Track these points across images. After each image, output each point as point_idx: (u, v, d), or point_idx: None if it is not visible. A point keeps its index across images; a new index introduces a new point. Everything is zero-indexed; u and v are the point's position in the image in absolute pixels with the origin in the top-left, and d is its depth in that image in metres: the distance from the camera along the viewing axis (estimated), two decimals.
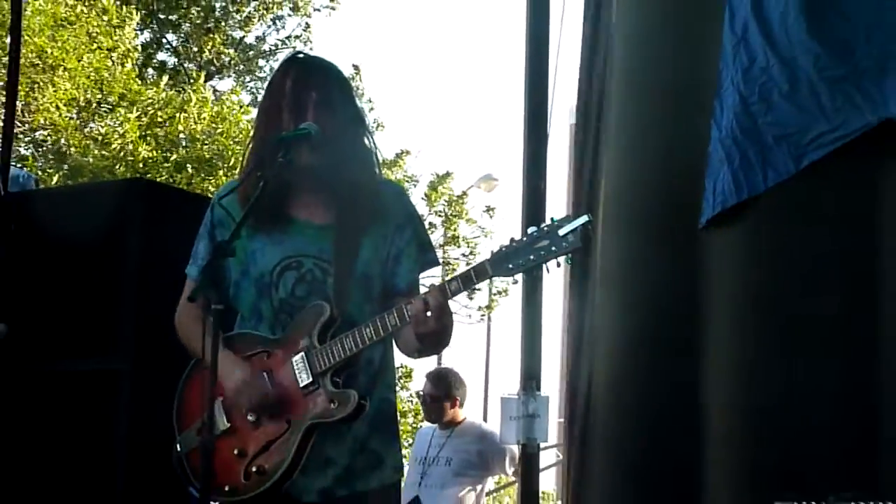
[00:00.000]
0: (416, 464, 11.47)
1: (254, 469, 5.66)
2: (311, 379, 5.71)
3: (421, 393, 11.98)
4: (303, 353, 5.71)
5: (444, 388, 11.64)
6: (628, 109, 10.88)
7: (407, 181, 27.45)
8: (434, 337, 5.96)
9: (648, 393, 10.36)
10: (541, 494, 11.91)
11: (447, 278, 6.06)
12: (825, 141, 9.57)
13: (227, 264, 5.80)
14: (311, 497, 5.81)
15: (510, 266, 5.91)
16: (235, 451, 5.56)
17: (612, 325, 10.70)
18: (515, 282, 6.59)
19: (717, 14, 10.24)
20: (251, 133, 6.02)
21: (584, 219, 6.24)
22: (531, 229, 6.22)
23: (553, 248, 5.83)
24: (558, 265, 6.22)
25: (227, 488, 5.48)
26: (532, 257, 5.82)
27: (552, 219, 6.04)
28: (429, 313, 5.75)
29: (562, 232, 5.88)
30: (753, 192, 9.90)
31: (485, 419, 20.88)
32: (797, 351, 9.64)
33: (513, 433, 11.36)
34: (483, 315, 30.58)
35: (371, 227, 5.85)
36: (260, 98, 5.49)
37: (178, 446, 5.83)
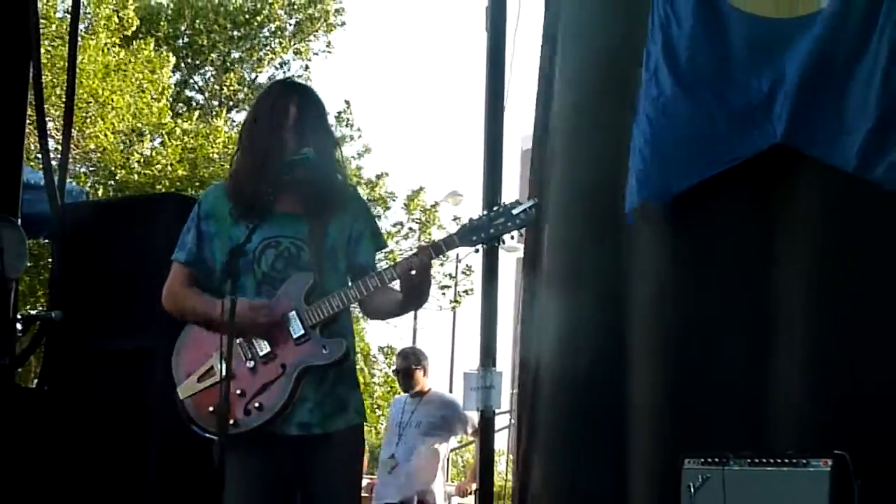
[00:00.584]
0: (393, 426, 11.48)
1: (255, 405, 5.70)
2: (303, 331, 5.76)
3: (395, 368, 12.03)
4: (294, 311, 5.75)
5: (413, 360, 11.68)
6: (571, 140, 10.94)
7: (388, 197, 27.44)
8: (417, 292, 6.01)
9: (585, 368, 10.36)
10: (495, 451, 11.88)
11: (423, 245, 6.10)
12: (723, 160, 9.65)
13: (214, 251, 5.90)
14: (291, 430, 5.80)
15: (473, 238, 5.93)
16: (237, 392, 5.54)
17: (556, 313, 10.72)
18: (477, 251, 6.58)
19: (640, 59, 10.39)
20: (247, 136, 5.98)
21: (532, 202, 6.32)
22: (490, 209, 6.23)
23: (508, 224, 5.88)
24: (512, 237, 6.27)
25: (231, 422, 5.52)
26: (492, 231, 5.87)
27: (505, 202, 6.12)
28: (413, 272, 5.83)
29: (515, 211, 5.95)
30: (664, 199, 10.03)
31: (451, 391, 20.79)
32: (703, 334, 9.70)
33: (473, 402, 11.39)
34: (452, 306, 30.58)
35: (335, 216, 5.84)
36: (257, 109, 5.41)
37: (179, 393, 5.89)
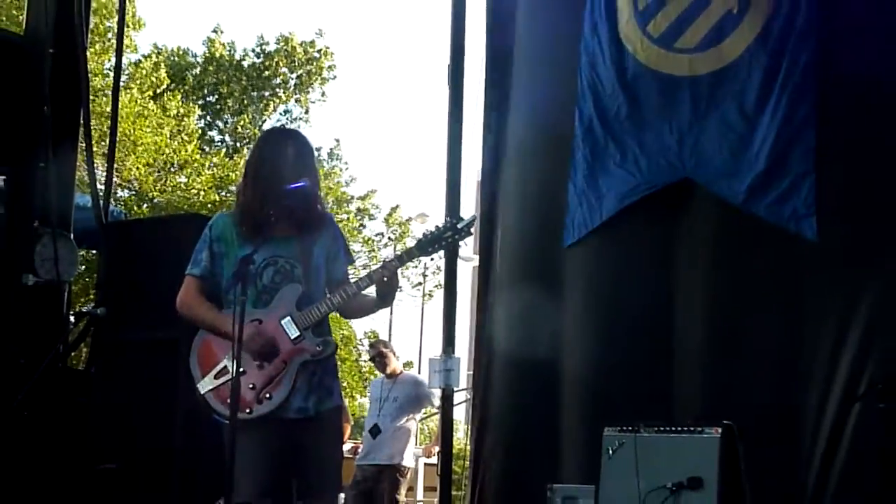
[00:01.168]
0: (374, 402, 11.46)
1: (266, 396, 5.67)
2: (298, 333, 5.74)
3: (370, 356, 12.02)
4: (289, 317, 5.72)
5: (382, 346, 11.66)
6: (517, 175, 11.04)
7: (373, 208, 27.52)
8: (389, 293, 6.04)
9: (528, 354, 10.49)
10: (454, 421, 11.93)
11: (390, 258, 6.14)
12: (639, 190, 9.82)
13: (224, 267, 5.93)
14: (291, 415, 5.82)
15: (429, 249, 5.99)
16: (250, 386, 5.52)
17: (505, 311, 10.86)
18: (433, 259, 6.60)
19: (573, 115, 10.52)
20: (251, 172, 6.02)
21: (471, 217, 6.40)
22: (440, 224, 6.28)
23: (455, 236, 5.92)
24: (461, 245, 6.34)
25: (247, 410, 5.54)
26: (443, 242, 5.92)
27: (449, 219, 6.18)
28: (385, 279, 5.89)
29: (459, 225, 6.00)
30: (593, 225, 10.19)
31: (419, 373, 20.72)
32: (617, 328, 9.81)
33: (437, 381, 11.41)
34: (425, 299, 30.52)
35: (319, 238, 5.82)
36: (264, 145, 5.42)
37: (199, 389, 5.93)
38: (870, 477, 8.83)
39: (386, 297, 6.10)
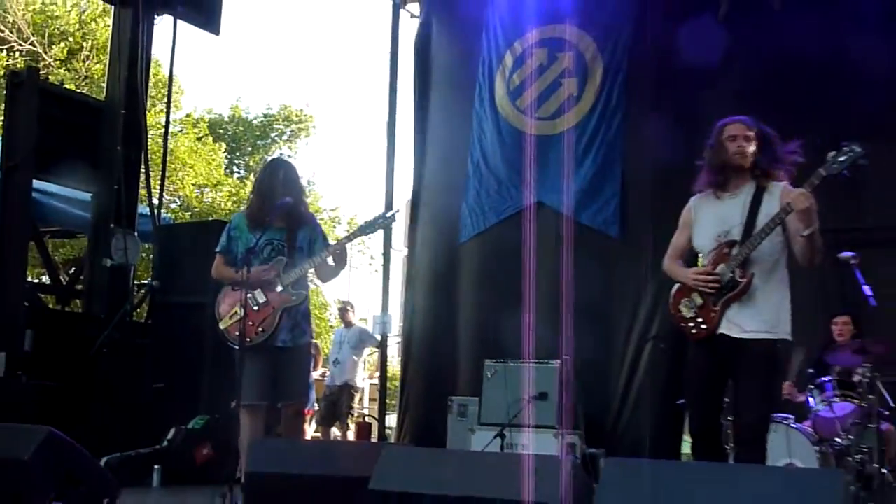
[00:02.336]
0: (335, 344, 11.26)
1: (260, 330, 5.66)
2: (282, 288, 5.68)
3: (339, 308, 11.84)
4: (278, 277, 5.63)
5: (346, 304, 11.43)
6: (431, 194, 11.10)
7: (336, 219, 27.08)
8: (342, 261, 5.92)
9: (437, 311, 10.56)
10: (388, 356, 11.96)
11: (343, 237, 6.10)
12: (507, 209, 10.05)
13: (238, 247, 5.84)
14: (277, 343, 5.74)
15: (368, 230, 5.88)
16: (250, 323, 5.41)
17: (422, 284, 10.91)
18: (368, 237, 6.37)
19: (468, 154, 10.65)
20: (258, 187, 6.07)
21: (395, 210, 6.42)
22: (372, 216, 6.15)
23: (381, 222, 5.90)
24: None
25: (248, 340, 5.50)
26: (375, 227, 5.88)
27: (377, 213, 6.20)
28: (338, 251, 5.80)
29: (388, 214, 5.94)
30: (478, 231, 10.32)
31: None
32: (492, 295, 9.92)
33: (377, 330, 11.49)
34: (376, 271, 29.79)
35: (301, 229, 5.80)
36: (266, 172, 5.40)
37: (220, 325, 5.96)
38: (654, 393, 9.05)
39: (339, 263, 5.99)
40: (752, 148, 4.65)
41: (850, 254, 6.35)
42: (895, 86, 8.49)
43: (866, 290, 6.11)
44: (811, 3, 8.56)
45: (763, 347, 4.51)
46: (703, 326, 4.61)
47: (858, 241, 7.93)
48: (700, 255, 4.86)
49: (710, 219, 4.75)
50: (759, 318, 4.53)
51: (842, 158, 4.38)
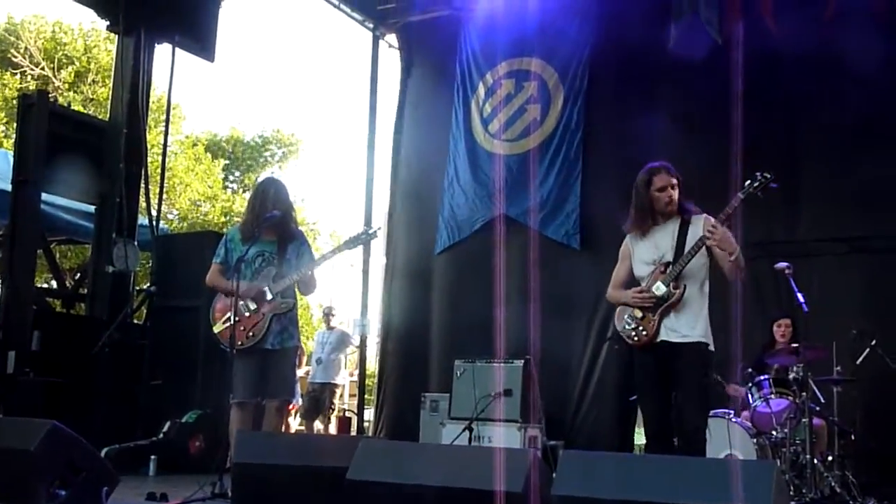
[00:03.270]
0: (318, 345, 11.24)
1: (251, 334, 5.64)
2: (272, 296, 5.65)
3: (324, 312, 11.72)
4: (268, 286, 5.66)
5: (329, 309, 11.35)
6: (408, 208, 11.13)
7: (317, 229, 27.03)
8: (314, 286, 5.94)
9: (412, 316, 10.56)
10: (367, 357, 11.93)
11: (328, 251, 6.10)
12: (477, 223, 10.09)
13: (233, 258, 5.78)
14: (266, 346, 5.71)
15: (352, 245, 5.91)
16: (242, 328, 5.54)
17: (399, 291, 10.91)
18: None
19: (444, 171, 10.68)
20: (250, 203, 6.04)
21: (376, 227, 6.40)
22: (355, 232, 6.14)
23: (364, 237, 5.88)
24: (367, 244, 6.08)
25: (239, 342, 5.43)
26: (357, 242, 5.86)
27: (365, 227, 6.15)
28: (310, 276, 5.78)
29: (370, 231, 5.95)
30: (453, 242, 10.33)
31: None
32: (464, 301, 9.95)
33: (357, 332, 11.58)
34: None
35: (291, 243, 5.83)
36: (257, 190, 5.31)
37: (214, 329, 5.90)
38: (609, 390, 9.08)
39: (311, 285, 6.02)
40: (676, 193, 4.96)
41: (784, 264, 6.42)
42: (824, 110, 8.61)
43: (799, 297, 6.16)
44: (754, 35, 8.61)
45: (699, 349, 4.83)
46: (644, 334, 4.88)
47: (793, 252, 8.06)
48: (640, 280, 5.06)
49: (645, 249, 5.04)
50: (693, 324, 4.85)
51: (756, 184, 4.90)
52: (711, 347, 4.92)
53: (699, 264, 4.91)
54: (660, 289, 4.89)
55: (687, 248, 4.87)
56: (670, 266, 4.90)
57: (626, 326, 4.98)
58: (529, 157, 9.90)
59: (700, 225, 4.91)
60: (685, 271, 4.88)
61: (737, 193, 4.89)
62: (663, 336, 4.87)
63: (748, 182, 4.92)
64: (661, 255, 4.97)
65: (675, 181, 4.96)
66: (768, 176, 4.90)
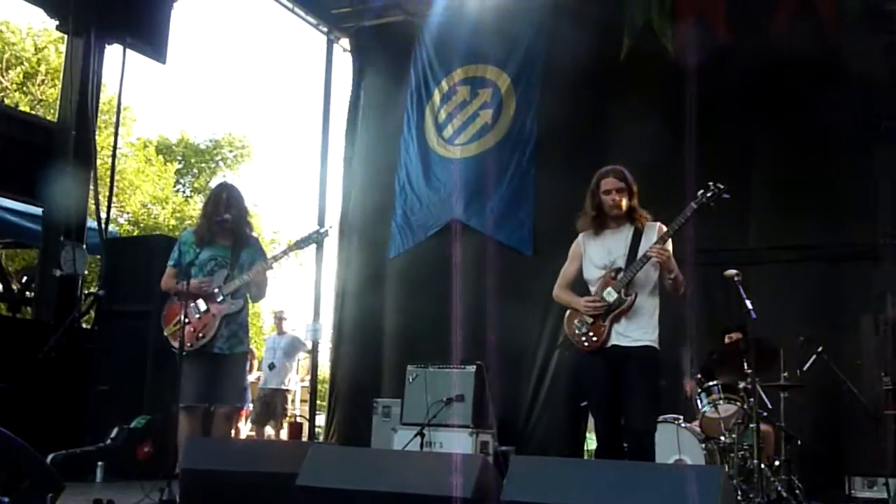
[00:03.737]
0: (269, 350, 11.10)
1: (200, 335, 5.59)
2: (222, 297, 5.62)
3: (275, 317, 11.64)
4: (218, 288, 5.59)
5: (280, 314, 11.25)
6: (360, 211, 11.09)
7: (277, 238, 26.86)
8: (264, 288, 5.91)
9: (365, 320, 10.52)
10: (318, 361, 11.85)
11: (279, 251, 6.10)
12: (432, 227, 10.13)
13: (186, 261, 5.69)
14: (215, 350, 5.69)
15: (303, 244, 5.94)
16: (191, 330, 5.44)
17: (352, 295, 10.89)
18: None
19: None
20: (204, 207, 5.95)
21: (327, 227, 6.38)
22: (307, 232, 6.12)
23: (315, 237, 5.88)
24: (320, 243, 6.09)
25: (188, 345, 5.40)
26: (308, 241, 5.86)
27: (317, 227, 6.10)
28: (274, 265, 5.90)
29: (321, 230, 5.94)
30: (407, 247, 10.34)
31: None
32: (417, 306, 9.99)
33: (309, 336, 11.48)
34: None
35: (244, 248, 5.74)
36: (211, 193, 5.28)
37: (164, 332, 5.84)
38: (560, 396, 9.12)
39: (262, 287, 5.98)
40: (624, 198, 5.00)
41: (733, 271, 6.48)
42: (775, 118, 8.75)
43: (748, 304, 6.23)
44: (706, 45, 8.72)
45: (649, 352, 4.89)
46: (594, 339, 4.94)
47: (742, 259, 8.17)
48: (588, 283, 5.10)
49: (597, 252, 5.08)
50: (643, 329, 4.91)
51: (709, 194, 4.97)
52: (659, 351, 4.97)
53: (649, 271, 4.96)
54: (611, 294, 4.95)
55: (640, 253, 4.92)
56: (621, 273, 4.94)
57: (577, 332, 5.02)
58: (482, 162, 9.96)
59: (653, 233, 4.97)
60: (636, 279, 4.93)
61: (689, 203, 4.95)
62: (614, 340, 4.92)
63: (700, 192, 4.98)
64: (612, 259, 5.02)
65: (622, 185, 5.01)
66: (720, 186, 4.96)
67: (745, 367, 6.50)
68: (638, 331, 4.91)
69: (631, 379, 4.83)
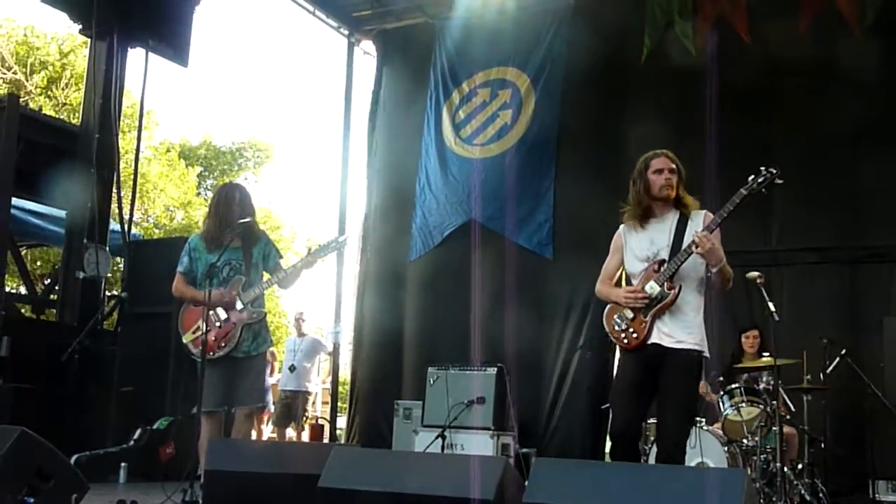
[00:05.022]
0: (289, 352, 11.17)
1: (222, 344, 5.53)
2: (243, 305, 5.58)
3: (296, 318, 11.64)
4: (237, 295, 5.55)
5: (301, 316, 11.26)
6: (381, 215, 11.09)
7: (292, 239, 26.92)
8: (296, 278, 5.79)
9: (385, 322, 10.50)
10: (339, 364, 11.83)
11: (302, 259, 6.06)
12: (447, 228, 10.11)
13: (198, 266, 5.75)
14: (239, 355, 5.66)
15: (321, 255, 5.96)
16: (213, 338, 5.45)
17: (373, 297, 10.89)
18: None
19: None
20: (213, 209, 6.01)
21: (345, 236, 6.36)
22: (326, 240, 6.11)
23: (334, 245, 5.89)
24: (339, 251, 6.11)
25: (210, 353, 5.41)
26: (328, 250, 5.85)
27: (337, 234, 6.09)
28: (304, 269, 5.85)
29: (340, 238, 5.91)
30: (427, 250, 10.34)
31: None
32: (437, 308, 10.02)
33: (330, 339, 11.52)
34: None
35: (255, 246, 5.69)
36: (222, 195, 5.25)
37: (184, 339, 5.84)
38: (581, 398, 9.10)
39: (293, 278, 6.00)
40: (676, 179, 4.67)
41: (756, 273, 6.43)
42: (798, 119, 8.69)
43: (771, 306, 6.19)
44: (728, 46, 8.71)
45: (691, 358, 4.53)
46: (635, 336, 4.57)
47: (765, 261, 8.14)
48: (631, 277, 4.78)
49: (639, 243, 4.73)
50: (687, 329, 4.55)
51: (760, 179, 4.57)
52: (706, 354, 4.62)
53: (696, 262, 4.58)
54: (653, 288, 4.56)
55: (684, 246, 4.55)
56: (665, 264, 4.60)
57: (616, 327, 4.66)
58: (501, 163, 9.94)
59: (700, 220, 4.64)
60: (680, 271, 4.55)
61: (740, 189, 4.58)
62: (655, 339, 4.55)
63: (752, 177, 4.60)
64: (656, 251, 4.66)
65: (674, 167, 4.69)
66: (773, 171, 4.57)
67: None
68: (682, 331, 4.53)
69: (668, 383, 4.52)
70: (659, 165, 4.69)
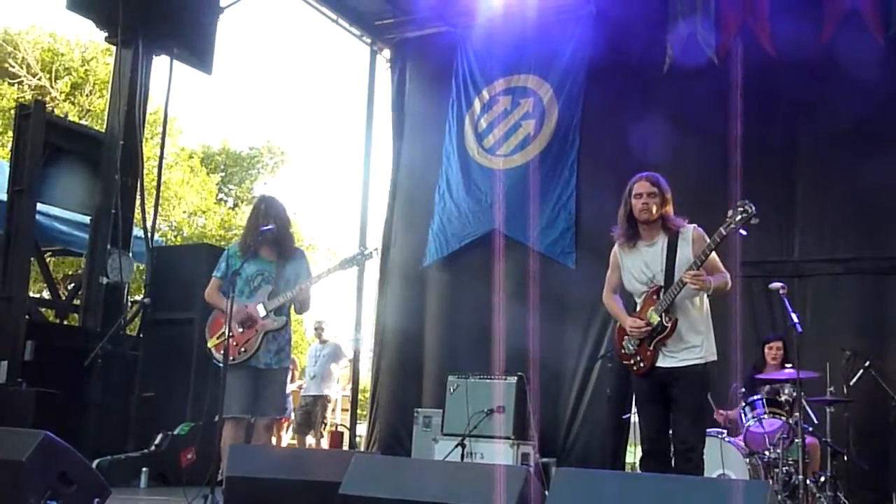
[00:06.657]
0: (311, 358, 11.18)
1: (243, 350, 5.61)
2: (265, 313, 5.65)
3: (315, 327, 11.63)
4: (262, 303, 5.63)
5: (321, 324, 11.25)
6: (401, 222, 11.12)
7: (315, 245, 27.10)
8: (307, 306, 5.94)
9: (405, 330, 10.56)
10: (360, 370, 11.85)
11: (325, 270, 6.09)
12: (468, 236, 10.13)
13: (234, 276, 5.53)
14: (260, 365, 5.73)
15: (347, 266, 5.99)
16: (235, 344, 5.49)
17: (393, 304, 10.91)
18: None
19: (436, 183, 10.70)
20: (248, 219, 5.99)
21: (373, 248, 6.38)
22: (350, 253, 6.14)
23: (360, 258, 5.92)
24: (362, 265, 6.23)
25: (232, 358, 5.45)
26: (353, 262, 5.89)
27: (361, 248, 6.14)
28: (306, 296, 5.87)
29: (365, 252, 5.98)
30: (441, 255, 10.34)
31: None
32: (456, 315, 10.03)
33: (351, 346, 11.58)
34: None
35: (290, 262, 5.78)
36: (252, 206, 5.30)
37: (208, 344, 5.89)
38: (602, 408, 9.06)
39: (305, 305, 6.04)
40: (654, 204, 4.85)
41: (779, 284, 6.40)
42: (821, 130, 8.64)
43: (794, 317, 6.15)
44: (750, 54, 8.68)
45: (696, 372, 4.81)
46: (643, 364, 4.89)
47: (787, 272, 8.10)
48: (633, 295, 5.05)
49: (634, 265, 4.99)
50: (690, 348, 4.83)
51: (738, 217, 4.65)
52: (714, 358, 4.88)
53: (690, 289, 4.80)
54: (654, 318, 4.86)
55: (678, 270, 4.79)
56: (662, 293, 4.84)
57: (625, 352, 4.99)
58: (524, 174, 9.93)
59: (688, 238, 4.85)
60: (675, 302, 4.82)
61: (719, 228, 4.69)
62: (660, 363, 4.86)
63: (730, 213, 4.67)
64: (652, 275, 4.92)
65: (654, 190, 4.87)
66: (750, 210, 4.64)
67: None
68: (684, 351, 4.84)
69: (677, 398, 4.80)
70: (638, 190, 4.93)
